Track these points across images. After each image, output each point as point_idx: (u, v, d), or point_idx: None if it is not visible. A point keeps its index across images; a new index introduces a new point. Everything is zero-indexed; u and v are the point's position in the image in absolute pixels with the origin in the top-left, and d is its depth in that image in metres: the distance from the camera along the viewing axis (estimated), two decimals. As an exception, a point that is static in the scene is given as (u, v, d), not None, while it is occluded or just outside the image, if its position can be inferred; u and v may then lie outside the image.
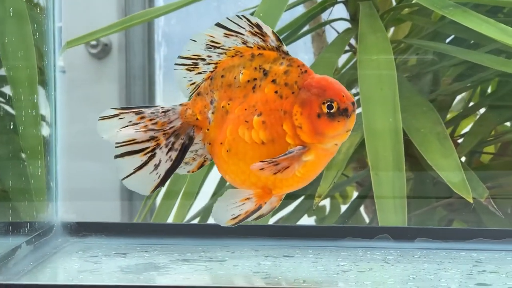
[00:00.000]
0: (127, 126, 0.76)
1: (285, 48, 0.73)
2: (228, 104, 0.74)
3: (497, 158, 1.70)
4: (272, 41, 0.73)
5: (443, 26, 1.42)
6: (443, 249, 0.93)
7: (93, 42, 1.93)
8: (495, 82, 1.62)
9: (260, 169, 0.70)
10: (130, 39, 2.01)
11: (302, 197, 1.38)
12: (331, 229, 0.98)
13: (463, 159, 1.67)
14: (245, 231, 0.93)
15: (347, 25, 1.51)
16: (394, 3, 1.58)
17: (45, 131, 1.04)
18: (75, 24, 1.82)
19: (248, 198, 0.74)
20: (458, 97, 1.69)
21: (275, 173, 0.71)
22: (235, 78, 0.74)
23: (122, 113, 0.77)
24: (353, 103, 0.70)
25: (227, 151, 0.74)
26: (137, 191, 0.78)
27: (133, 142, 0.76)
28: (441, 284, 0.77)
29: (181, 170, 0.79)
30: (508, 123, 1.64)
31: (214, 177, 1.51)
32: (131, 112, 0.77)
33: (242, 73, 0.74)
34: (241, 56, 0.74)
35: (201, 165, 0.79)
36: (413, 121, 1.26)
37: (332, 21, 1.63)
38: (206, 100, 0.76)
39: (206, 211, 1.52)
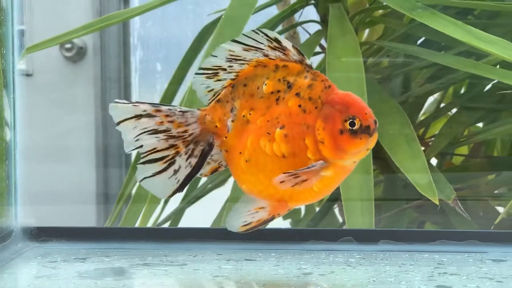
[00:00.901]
0: (140, 115, 0.76)
1: (308, 61, 0.73)
2: (250, 114, 0.74)
3: (469, 159, 1.70)
4: (293, 54, 0.72)
5: (415, 28, 1.42)
6: (406, 251, 0.93)
7: (68, 45, 1.91)
8: (466, 83, 1.62)
9: (281, 182, 0.70)
10: (105, 42, 2.00)
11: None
12: (294, 232, 0.97)
13: (434, 161, 1.68)
14: (208, 235, 0.93)
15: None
16: (367, 5, 1.59)
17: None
18: (48, 26, 1.81)
19: (263, 208, 0.75)
20: (432, 99, 1.70)
21: (293, 185, 0.71)
22: (258, 88, 0.74)
23: (138, 102, 0.77)
24: (375, 121, 0.71)
25: (246, 161, 0.74)
26: (154, 194, 0.78)
27: (154, 151, 0.76)
28: (401, 287, 0.77)
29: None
30: (480, 124, 1.64)
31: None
32: (147, 103, 0.77)
33: (265, 84, 0.73)
34: (264, 67, 0.73)
35: (215, 170, 0.79)
36: (382, 123, 1.26)
37: (302, 23, 1.63)
38: (226, 108, 0.76)
39: (177, 214, 1.52)
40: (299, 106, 0.71)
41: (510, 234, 0.96)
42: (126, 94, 2.06)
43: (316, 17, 1.57)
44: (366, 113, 0.70)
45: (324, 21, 1.52)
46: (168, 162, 0.76)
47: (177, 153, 0.76)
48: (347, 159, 0.71)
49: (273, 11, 1.65)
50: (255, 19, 1.67)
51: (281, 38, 0.72)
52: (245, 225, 0.75)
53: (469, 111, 1.53)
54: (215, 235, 0.93)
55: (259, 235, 0.94)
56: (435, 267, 0.85)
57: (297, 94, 0.72)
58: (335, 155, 0.71)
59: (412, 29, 1.51)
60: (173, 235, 0.93)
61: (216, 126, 0.76)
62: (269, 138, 0.72)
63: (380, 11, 1.64)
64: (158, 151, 0.76)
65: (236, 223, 0.75)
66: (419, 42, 1.54)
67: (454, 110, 1.63)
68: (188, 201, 1.50)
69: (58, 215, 1.74)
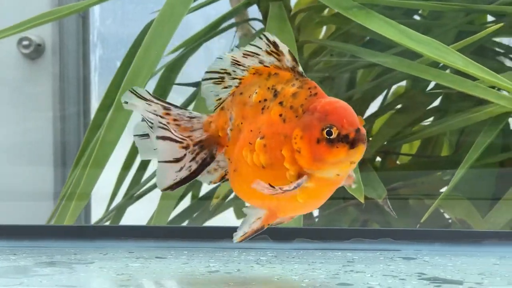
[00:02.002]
0: (149, 112, 0.75)
1: (300, 68, 0.70)
2: (241, 123, 0.73)
3: (416, 158, 1.72)
4: (287, 60, 0.70)
5: (360, 27, 1.41)
6: (320, 249, 0.93)
7: (25, 42, 1.90)
8: (409, 82, 1.63)
9: (267, 189, 0.68)
10: (64, 39, 1.99)
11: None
12: (210, 230, 0.97)
13: (378, 159, 1.69)
14: (121, 232, 0.92)
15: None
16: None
17: None
18: (5, 19, 1.78)
19: (260, 218, 0.75)
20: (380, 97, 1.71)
21: (273, 194, 0.69)
22: (249, 96, 0.73)
23: (152, 100, 0.76)
24: (356, 130, 0.66)
25: (234, 170, 0.74)
26: (158, 181, 0.77)
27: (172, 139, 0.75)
28: (302, 285, 0.77)
29: (204, 178, 0.79)
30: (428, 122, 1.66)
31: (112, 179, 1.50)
32: (160, 104, 0.76)
33: (256, 92, 0.72)
34: (260, 75, 0.72)
35: (223, 177, 0.79)
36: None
37: (245, 21, 1.63)
38: (227, 116, 0.75)
39: (117, 213, 1.51)
40: (280, 115, 0.70)
41: (424, 232, 0.96)
42: (85, 93, 2.05)
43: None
44: (345, 121, 0.66)
45: (265, 19, 1.52)
46: (184, 152, 0.76)
47: (188, 146, 0.76)
48: (325, 169, 0.67)
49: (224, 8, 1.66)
50: (207, 13, 1.67)
51: (279, 42, 0.70)
52: (242, 235, 0.75)
53: (408, 111, 1.54)
54: (130, 233, 0.93)
55: (174, 234, 0.94)
56: (344, 265, 0.85)
57: (280, 103, 0.70)
58: (312, 165, 0.68)
59: (356, 28, 1.52)
60: (87, 233, 0.93)
61: (219, 135, 0.76)
62: (251, 148, 0.71)
63: (327, 10, 1.65)
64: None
65: (238, 234, 0.76)
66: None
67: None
68: (129, 198, 1.50)
69: (15, 212, 1.73)
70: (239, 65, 0.73)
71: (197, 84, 1.56)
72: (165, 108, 0.77)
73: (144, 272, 0.81)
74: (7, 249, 0.90)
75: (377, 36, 1.33)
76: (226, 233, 0.93)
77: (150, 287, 0.74)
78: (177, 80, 1.63)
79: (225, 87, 0.75)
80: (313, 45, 1.58)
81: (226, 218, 1.52)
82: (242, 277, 0.80)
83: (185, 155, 0.76)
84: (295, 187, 0.68)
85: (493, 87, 1.18)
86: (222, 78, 0.75)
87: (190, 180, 0.77)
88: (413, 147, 1.73)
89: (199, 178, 0.79)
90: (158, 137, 0.75)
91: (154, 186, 1.55)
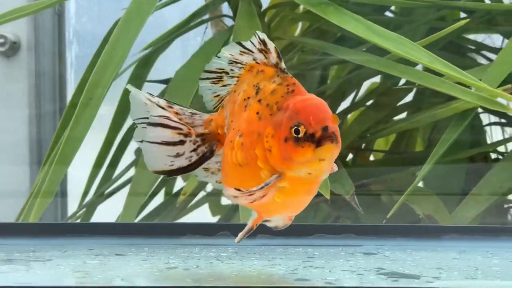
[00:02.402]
0: (152, 103, 0.75)
1: (283, 65, 0.69)
2: (232, 121, 0.73)
3: (389, 155, 1.72)
4: (273, 58, 0.70)
5: (329, 24, 1.41)
6: (282, 245, 0.93)
7: (1, 40, 1.89)
8: (382, 78, 1.64)
9: (234, 197, 0.68)
10: (39, 37, 1.97)
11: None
12: (173, 226, 0.97)
13: (350, 156, 1.69)
14: (83, 230, 0.92)
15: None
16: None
17: None
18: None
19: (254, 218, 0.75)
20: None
21: (252, 202, 0.68)
22: (238, 94, 0.72)
23: (153, 96, 0.76)
24: (323, 128, 0.65)
25: (219, 170, 0.75)
26: (146, 162, 0.76)
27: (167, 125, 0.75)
28: (259, 280, 0.77)
29: (210, 179, 0.79)
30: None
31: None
32: (163, 98, 0.76)
33: (243, 90, 0.72)
34: (251, 72, 0.72)
35: None
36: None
37: (216, 17, 1.63)
38: (224, 115, 0.75)
39: (88, 210, 1.51)
40: (257, 113, 0.69)
41: (386, 227, 0.96)
42: (61, 90, 2.04)
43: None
44: (312, 119, 0.65)
45: (236, 16, 1.52)
46: (180, 138, 0.75)
47: (189, 134, 0.75)
48: (295, 169, 0.66)
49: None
50: (182, 9, 1.67)
51: (267, 39, 0.70)
52: (239, 237, 0.76)
53: (378, 107, 1.54)
54: (92, 230, 0.93)
55: (134, 231, 0.93)
56: (304, 261, 0.85)
57: (259, 101, 0.69)
58: (282, 165, 0.66)
59: (328, 25, 1.52)
60: (48, 230, 0.92)
61: (219, 133, 0.76)
62: (231, 146, 0.70)
63: (301, 7, 1.65)
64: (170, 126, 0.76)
65: (239, 234, 0.76)
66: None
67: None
68: (100, 196, 1.49)
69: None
70: (237, 63, 0.73)
71: (167, 81, 1.56)
72: (167, 101, 0.77)
73: (101, 269, 0.81)
74: (-34, 247, 0.89)
75: (349, 33, 1.33)
76: (189, 229, 0.93)
77: (105, 283, 0.74)
78: (151, 76, 1.63)
79: (224, 85, 0.75)
80: (284, 42, 1.58)
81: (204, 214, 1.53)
82: (200, 273, 0.80)
83: (183, 142, 0.75)
84: (262, 187, 0.67)
85: (460, 83, 1.18)
86: (220, 77, 0.75)
87: (188, 171, 0.76)
88: (388, 143, 1.73)
89: (205, 178, 0.79)
90: (153, 117, 0.74)
91: (126, 183, 1.54)
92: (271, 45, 0.70)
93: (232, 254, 0.89)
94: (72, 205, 1.80)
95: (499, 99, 1.17)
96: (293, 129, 0.65)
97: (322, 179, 0.69)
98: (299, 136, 0.65)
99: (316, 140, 0.65)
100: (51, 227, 0.93)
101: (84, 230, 0.91)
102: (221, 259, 0.86)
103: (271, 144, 0.67)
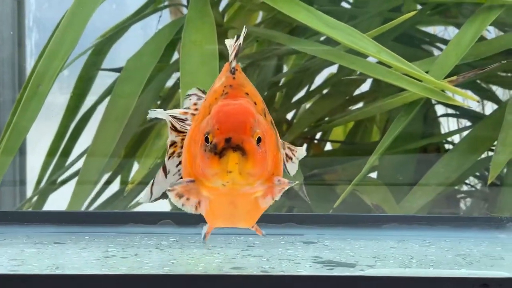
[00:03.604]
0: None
1: (233, 63, 0.64)
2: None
3: (343, 144, 1.73)
4: (230, 55, 0.65)
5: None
6: (223, 234, 0.93)
7: (-43, 28, 1.86)
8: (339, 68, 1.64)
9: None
10: (-2, 24, 1.95)
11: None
12: (115, 215, 0.97)
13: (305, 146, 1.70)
14: (23, 218, 0.91)
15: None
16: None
17: None
18: None
19: None
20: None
21: (182, 204, 0.66)
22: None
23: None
24: (227, 139, 0.60)
25: None
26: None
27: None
28: (198, 268, 0.77)
29: None
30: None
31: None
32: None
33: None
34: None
35: None
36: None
37: (170, 5, 1.63)
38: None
39: (40, 197, 1.50)
40: (203, 115, 0.65)
41: (327, 217, 0.97)
42: (20, 78, 2.02)
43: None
44: (217, 129, 0.61)
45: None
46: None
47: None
48: (209, 179, 0.62)
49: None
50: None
51: (241, 34, 0.65)
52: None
53: (331, 97, 1.55)
54: (32, 218, 0.92)
55: (75, 219, 0.93)
56: (243, 249, 0.86)
57: (205, 101, 0.66)
58: (197, 173, 0.63)
59: (283, 15, 1.51)
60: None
61: None
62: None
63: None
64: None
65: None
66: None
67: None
68: (51, 183, 1.48)
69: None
70: None
71: (120, 70, 1.55)
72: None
73: (38, 257, 0.81)
74: None
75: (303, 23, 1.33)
76: (130, 218, 0.93)
77: (39, 271, 0.74)
78: (107, 63, 1.62)
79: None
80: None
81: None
82: (137, 261, 0.80)
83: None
84: (172, 186, 0.65)
85: (408, 75, 1.20)
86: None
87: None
88: (345, 133, 1.75)
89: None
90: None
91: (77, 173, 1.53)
92: (230, 42, 0.66)
93: (173, 242, 0.89)
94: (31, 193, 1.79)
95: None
96: (205, 137, 0.62)
97: (248, 191, 0.64)
98: (207, 145, 0.61)
99: (218, 151, 0.60)
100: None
101: (24, 218, 0.91)
102: (161, 247, 0.86)
103: (195, 151, 0.64)
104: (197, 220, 0.92)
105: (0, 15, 1.95)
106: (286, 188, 0.67)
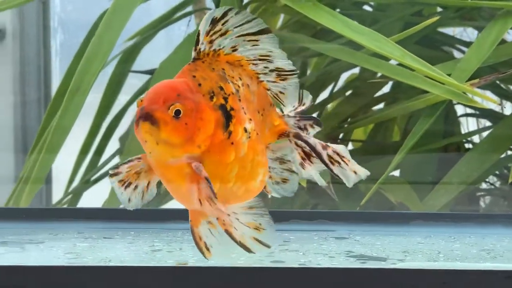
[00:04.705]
0: None
1: (193, 53, 0.71)
2: None
3: (366, 144, 1.78)
4: None
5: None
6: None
7: (-14, 28, 1.92)
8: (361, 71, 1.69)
9: None
10: (24, 25, 2.01)
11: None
12: (155, 212, 1.03)
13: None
14: (72, 214, 0.97)
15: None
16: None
17: None
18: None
19: None
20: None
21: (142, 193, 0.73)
22: None
23: None
24: (141, 109, 0.65)
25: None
26: None
27: None
28: (239, 262, 0.83)
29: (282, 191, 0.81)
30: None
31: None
32: None
33: None
34: None
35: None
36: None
37: (196, 11, 1.68)
38: None
39: (74, 196, 1.56)
40: None
41: (358, 214, 1.03)
42: (46, 78, 2.07)
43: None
44: (141, 100, 0.66)
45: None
46: None
47: None
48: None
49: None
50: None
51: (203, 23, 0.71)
52: None
53: (355, 98, 1.60)
54: (81, 214, 0.98)
55: (122, 215, 0.99)
56: (280, 245, 0.91)
57: None
58: None
59: (308, 18, 1.56)
60: (37, 214, 0.98)
61: None
62: None
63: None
64: None
65: None
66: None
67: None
68: (85, 182, 1.54)
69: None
70: None
71: (152, 72, 1.60)
72: None
73: (91, 251, 0.86)
74: (-39, 230, 0.95)
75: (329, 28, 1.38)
76: (171, 215, 0.99)
77: (94, 263, 0.79)
78: (137, 66, 1.67)
79: None
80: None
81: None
82: (183, 255, 0.86)
83: None
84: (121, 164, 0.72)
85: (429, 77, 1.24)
86: None
87: None
88: (366, 133, 1.79)
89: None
90: None
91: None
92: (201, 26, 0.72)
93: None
94: (56, 191, 1.85)
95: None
96: None
97: (173, 164, 0.68)
98: None
99: (135, 120, 0.66)
100: (42, 212, 0.98)
101: (73, 214, 0.97)
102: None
103: None
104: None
105: (26, 16, 2.01)
106: (214, 205, 0.69)
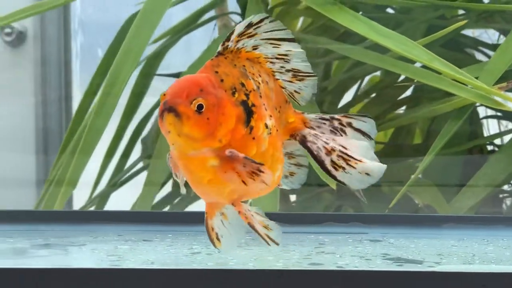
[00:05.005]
0: None
1: (220, 48, 0.74)
2: None
3: (388, 146, 1.79)
4: None
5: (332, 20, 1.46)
6: (295, 233, 1.00)
7: (7, 30, 1.94)
8: (383, 72, 1.70)
9: None
10: (45, 27, 2.03)
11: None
12: (192, 215, 1.04)
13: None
14: (109, 217, 0.99)
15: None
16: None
17: None
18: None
19: None
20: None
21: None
22: None
23: None
24: (164, 102, 0.68)
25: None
26: None
27: None
28: (278, 264, 0.84)
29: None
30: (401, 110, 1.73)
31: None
32: None
33: None
34: None
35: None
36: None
37: (223, 14, 1.70)
38: None
39: (101, 198, 1.58)
40: None
41: (390, 216, 1.04)
42: (66, 80, 2.10)
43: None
44: (164, 94, 0.69)
45: (244, 14, 1.59)
46: None
47: None
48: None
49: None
50: (186, 6, 1.73)
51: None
52: None
53: (380, 100, 1.62)
54: (118, 217, 1.00)
55: (157, 218, 1.01)
56: (316, 247, 0.93)
57: None
58: None
59: (332, 21, 1.57)
60: (76, 217, 1.00)
61: None
62: None
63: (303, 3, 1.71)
64: None
65: None
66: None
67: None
68: (113, 185, 1.56)
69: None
70: None
71: (178, 75, 1.62)
72: None
73: (132, 253, 0.88)
74: (3, 232, 0.96)
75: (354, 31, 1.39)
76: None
77: (139, 266, 0.81)
78: (157, 71, 1.69)
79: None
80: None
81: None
82: (222, 257, 0.87)
83: None
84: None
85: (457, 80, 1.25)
86: None
87: None
88: (387, 135, 1.80)
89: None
90: None
91: (135, 174, 1.61)
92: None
93: (250, 240, 0.96)
94: (77, 194, 1.87)
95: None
96: None
97: (195, 156, 0.70)
98: None
99: (159, 113, 0.68)
100: (80, 214, 1.00)
101: (111, 217, 0.99)
102: (242, 245, 0.93)
103: None
104: (269, 219, 0.99)
105: (47, 18, 2.03)
106: (262, 175, 0.72)
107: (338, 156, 0.80)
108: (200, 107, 0.68)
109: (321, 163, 0.80)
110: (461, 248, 0.94)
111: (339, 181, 0.81)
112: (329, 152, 0.79)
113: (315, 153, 0.79)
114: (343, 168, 0.80)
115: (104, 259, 0.86)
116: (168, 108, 0.67)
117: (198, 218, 1.00)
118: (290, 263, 0.85)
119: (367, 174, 0.81)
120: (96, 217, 0.98)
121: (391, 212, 1.26)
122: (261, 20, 0.75)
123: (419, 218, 1.03)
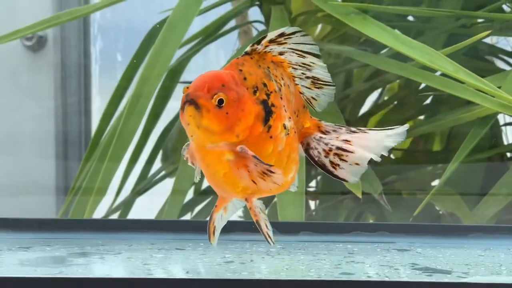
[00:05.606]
0: None
1: (248, 48, 0.76)
2: None
3: (409, 153, 1.81)
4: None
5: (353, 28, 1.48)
6: (323, 242, 1.02)
7: (28, 35, 1.96)
8: (403, 81, 1.72)
9: None
10: (65, 32, 2.06)
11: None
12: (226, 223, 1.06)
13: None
14: (143, 226, 1.01)
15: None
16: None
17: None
18: (7, 19, 1.86)
19: None
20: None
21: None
22: None
23: None
24: (186, 95, 0.70)
25: None
26: None
27: None
28: (310, 274, 0.86)
29: None
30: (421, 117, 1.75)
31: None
32: None
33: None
34: None
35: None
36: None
37: (247, 23, 1.72)
38: None
39: (126, 206, 1.59)
40: None
41: (417, 226, 1.06)
42: (86, 84, 2.12)
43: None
44: (187, 87, 0.71)
45: (267, 22, 1.61)
46: None
47: None
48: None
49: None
50: (206, 16, 1.75)
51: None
52: None
53: (401, 108, 1.63)
54: (150, 226, 1.02)
55: (189, 227, 1.03)
56: (345, 256, 0.95)
57: None
58: None
59: (353, 30, 1.59)
60: (112, 225, 1.02)
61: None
62: None
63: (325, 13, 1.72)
64: None
65: None
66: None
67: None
68: (137, 192, 1.58)
69: (17, 206, 1.80)
70: None
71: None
72: None
73: (167, 262, 0.90)
74: (40, 240, 0.99)
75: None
76: (238, 226, 1.03)
77: (176, 274, 0.83)
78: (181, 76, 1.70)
79: None
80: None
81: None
82: (255, 267, 0.89)
83: None
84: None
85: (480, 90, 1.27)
86: None
87: None
88: (406, 142, 1.82)
89: None
90: None
91: (158, 181, 1.63)
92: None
93: (280, 249, 0.98)
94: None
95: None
96: None
97: (212, 149, 0.72)
98: None
99: (181, 105, 0.70)
100: (114, 223, 1.02)
101: (145, 226, 1.01)
102: (271, 254, 0.95)
103: None
104: (297, 228, 1.01)
105: (67, 23, 2.06)
106: (274, 176, 0.74)
107: (334, 154, 0.82)
108: (220, 101, 0.70)
109: (322, 167, 0.82)
110: (487, 258, 0.95)
111: (341, 179, 0.83)
112: (327, 154, 0.82)
113: (316, 159, 0.82)
114: (338, 165, 0.82)
115: (140, 267, 0.88)
116: (189, 100, 0.70)
117: (228, 227, 1.02)
118: (322, 272, 0.87)
119: (357, 164, 0.82)
120: (127, 226, 1.01)
121: (415, 221, 1.27)
122: (294, 32, 0.78)
123: (446, 228, 1.05)
